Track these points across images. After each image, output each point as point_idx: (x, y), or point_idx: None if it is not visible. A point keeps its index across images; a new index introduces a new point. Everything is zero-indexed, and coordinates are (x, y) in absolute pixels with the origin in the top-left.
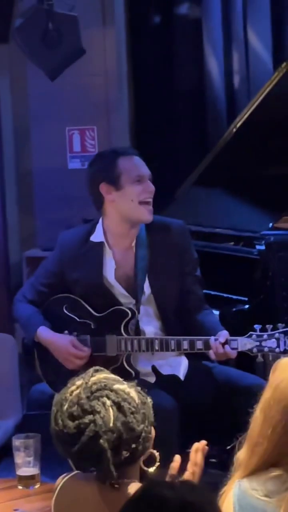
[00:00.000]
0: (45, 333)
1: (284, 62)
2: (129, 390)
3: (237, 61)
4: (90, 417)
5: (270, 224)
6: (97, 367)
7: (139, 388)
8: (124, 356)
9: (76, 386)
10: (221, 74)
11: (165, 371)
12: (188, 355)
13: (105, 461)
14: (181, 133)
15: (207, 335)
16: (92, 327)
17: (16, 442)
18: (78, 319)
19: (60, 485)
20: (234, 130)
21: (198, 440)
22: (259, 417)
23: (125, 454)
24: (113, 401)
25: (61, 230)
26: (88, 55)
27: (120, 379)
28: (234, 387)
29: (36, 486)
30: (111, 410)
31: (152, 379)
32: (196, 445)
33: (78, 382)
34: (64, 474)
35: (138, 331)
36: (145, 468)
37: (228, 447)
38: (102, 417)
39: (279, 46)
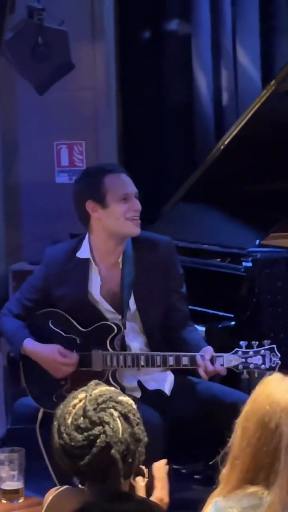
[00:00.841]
0: (31, 345)
1: (273, 80)
2: (131, 402)
3: (225, 78)
4: (100, 428)
5: (257, 241)
6: (97, 381)
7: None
8: (109, 372)
9: (79, 399)
10: (209, 90)
11: (150, 386)
12: (173, 370)
13: (116, 472)
14: (169, 149)
15: (191, 352)
16: (78, 342)
17: (1, 456)
18: (64, 334)
19: (49, 500)
20: (222, 147)
21: (184, 456)
22: (238, 431)
23: (129, 466)
24: (120, 412)
25: (48, 244)
26: (77, 70)
27: (120, 391)
28: (219, 403)
29: (20, 500)
30: (118, 421)
31: (137, 394)
32: (156, 464)
33: (81, 395)
34: (54, 489)
35: (124, 347)
36: (135, 483)
37: (211, 463)
38: (112, 428)
39: (268, 63)
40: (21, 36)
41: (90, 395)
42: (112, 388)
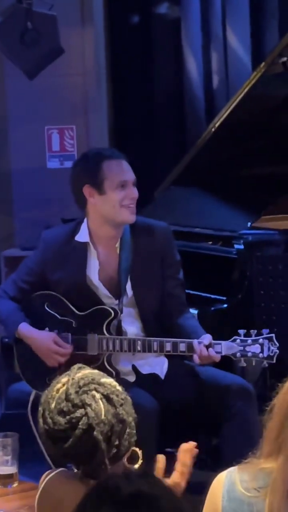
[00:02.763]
0: (26, 330)
1: (262, 62)
2: (115, 383)
3: (216, 61)
4: (82, 411)
5: (249, 224)
6: (80, 365)
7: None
8: (105, 356)
9: (62, 384)
10: (200, 74)
11: (145, 370)
12: (168, 356)
13: (99, 453)
14: (159, 133)
15: (188, 338)
16: (74, 325)
17: None
18: (59, 317)
19: (44, 483)
20: (213, 130)
21: (177, 440)
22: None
23: (115, 448)
24: (102, 394)
25: (39, 230)
26: (67, 55)
27: (104, 374)
28: (215, 386)
29: (14, 485)
30: (101, 403)
31: (132, 378)
32: (184, 446)
33: (64, 380)
34: (48, 472)
35: (120, 332)
36: (129, 466)
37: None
38: (94, 409)
39: (258, 46)
40: (10, 21)
41: (73, 378)
42: (96, 371)
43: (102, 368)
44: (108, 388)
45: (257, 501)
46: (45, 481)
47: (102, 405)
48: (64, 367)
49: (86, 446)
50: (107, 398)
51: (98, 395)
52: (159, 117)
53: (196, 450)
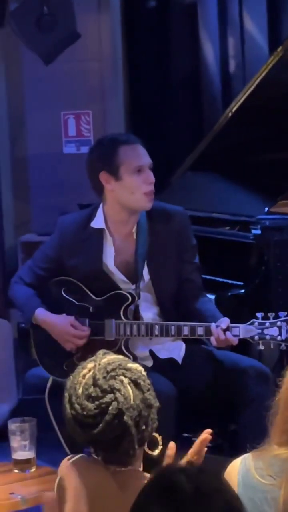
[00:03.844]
0: (43, 314)
1: (279, 47)
2: (141, 368)
3: (232, 46)
4: (111, 396)
5: (266, 209)
6: (105, 350)
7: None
8: (122, 341)
9: (88, 369)
10: (216, 58)
11: (162, 355)
12: (185, 339)
13: (129, 438)
14: (176, 118)
15: (206, 322)
16: (91, 310)
17: (12, 426)
18: (76, 302)
19: (65, 468)
20: (230, 114)
21: (194, 425)
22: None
23: (141, 433)
24: (130, 379)
25: (56, 215)
26: (83, 40)
27: (129, 359)
28: (232, 370)
29: (32, 470)
30: (129, 388)
31: (149, 363)
32: (203, 436)
33: (90, 365)
34: (69, 457)
35: (137, 317)
36: (149, 452)
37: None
38: (123, 394)
39: (275, 30)
40: (26, 7)
41: (99, 364)
42: (121, 356)
43: (119, 353)
44: (135, 373)
45: (272, 489)
46: (66, 466)
47: (130, 390)
48: (82, 353)
49: (115, 431)
50: (135, 383)
51: (126, 380)
52: (175, 102)
53: (210, 437)
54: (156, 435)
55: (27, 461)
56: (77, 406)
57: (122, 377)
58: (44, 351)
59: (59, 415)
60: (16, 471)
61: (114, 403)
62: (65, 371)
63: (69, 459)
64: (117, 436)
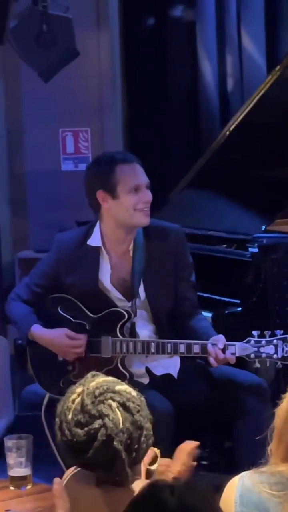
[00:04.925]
0: (39, 331)
1: (277, 65)
2: (130, 389)
3: (230, 64)
4: (99, 421)
5: (263, 227)
6: (94, 372)
7: (133, 387)
8: (119, 358)
9: (77, 394)
10: (214, 76)
11: (158, 372)
12: (182, 356)
13: (120, 462)
14: (174, 135)
15: (200, 340)
16: (87, 328)
17: (8, 442)
18: (73, 320)
19: (65, 480)
20: (228, 133)
21: (190, 440)
22: (286, 407)
23: (134, 452)
24: (119, 402)
25: (54, 232)
26: (82, 57)
27: (118, 380)
28: (228, 383)
29: (28, 487)
30: (118, 412)
31: (145, 380)
32: (184, 446)
33: (78, 390)
34: (72, 469)
35: (133, 334)
36: (148, 467)
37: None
38: (112, 419)
39: (273, 49)
40: (26, 24)
41: (87, 388)
42: (110, 378)
43: (116, 371)
44: (124, 395)
45: (272, 503)
46: (66, 478)
47: (119, 414)
48: (78, 369)
49: (106, 456)
50: (124, 406)
51: (114, 404)
52: (173, 120)
53: (197, 451)
54: (155, 449)
55: (23, 478)
56: (67, 432)
57: (110, 401)
58: (40, 368)
59: (55, 432)
60: (12, 488)
61: (103, 430)
62: (62, 388)
63: (72, 471)
64: (107, 460)
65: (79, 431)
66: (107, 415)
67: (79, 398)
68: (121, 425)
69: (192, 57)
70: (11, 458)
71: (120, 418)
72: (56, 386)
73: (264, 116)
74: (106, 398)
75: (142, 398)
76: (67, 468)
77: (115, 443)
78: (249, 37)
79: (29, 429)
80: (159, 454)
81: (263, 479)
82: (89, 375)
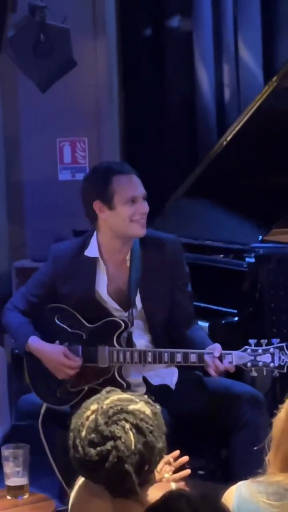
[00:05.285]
0: (36, 343)
1: (274, 76)
2: (144, 408)
3: (227, 74)
4: (112, 443)
5: (260, 237)
6: (109, 388)
7: (147, 398)
8: (115, 368)
9: (91, 411)
10: (211, 86)
11: (155, 381)
12: (178, 366)
13: (130, 482)
14: (171, 145)
15: (196, 349)
16: (84, 337)
17: (5, 452)
18: (70, 330)
19: (77, 486)
20: (225, 142)
21: (188, 451)
22: (283, 417)
23: (147, 471)
24: (132, 424)
25: (51, 241)
26: (79, 67)
27: (132, 398)
28: (225, 395)
29: (25, 496)
30: (131, 433)
31: (142, 390)
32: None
33: (93, 407)
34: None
35: (130, 344)
36: (160, 477)
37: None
38: (124, 442)
39: (270, 59)
40: (23, 34)
41: (102, 407)
42: (124, 396)
43: (112, 380)
44: (137, 416)
45: None
46: (77, 485)
47: (132, 436)
48: (75, 380)
49: (117, 477)
50: (137, 427)
51: (127, 426)
52: (170, 130)
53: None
54: (171, 459)
55: (20, 488)
56: (80, 449)
57: (123, 422)
58: (37, 378)
59: (52, 442)
60: (9, 497)
61: (114, 452)
62: (58, 398)
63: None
64: (118, 480)
65: (91, 450)
66: (120, 437)
67: (93, 416)
68: (133, 447)
69: (189, 66)
70: (8, 468)
71: (133, 440)
72: (53, 396)
73: (261, 126)
74: (120, 418)
75: (157, 411)
76: (64, 478)
77: (126, 465)
78: (246, 47)
79: (26, 438)
80: (172, 463)
81: (261, 489)
82: (104, 391)
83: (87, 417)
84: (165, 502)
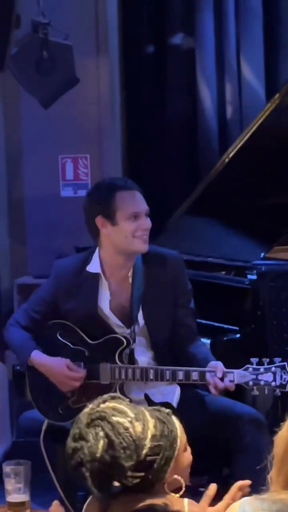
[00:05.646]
0: (39, 357)
1: (277, 94)
2: (129, 425)
3: (229, 92)
4: (82, 443)
5: (262, 254)
6: (114, 394)
7: (163, 415)
8: (117, 385)
9: (87, 408)
10: (213, 104)
11: (157, 399)
12: (180, 384)
13: (89, 487)
14: (173, 162)
15: (199, 366)
16: (86, 354)
17: (7, 468)
18: (72, 346)
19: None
20: (227, 160)
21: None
22: (286, 435)
23: (130, 481)
24: (106, 434)
25: (53, 258)
26: (82, 84)
27: (125, 412)
28: (226, 415)
29: None
30: (101, 442)
31: None
32: (240, 483)
33: (90, 405)
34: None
35: (132, 361)
36: (171, 494)
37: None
38: (89, 447)
39: (272, 77)
40: (26, 51)
41: (93, 408)
42: (120, 406)
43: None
44: (116, 428)
45: None
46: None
47: (101, 444)
48: (77, 396)
49: (78, 476)
50: (109, 439)
51: (101, 433)
52: (172, 147)
53: (248, 489)
54: (179, 478)
55: (22, 504)
56: (68, 439)
57: (99, 429)
58: (39, 394)
59: (53, 458)
60: None
61: (79, 453)
62: (60, 414)
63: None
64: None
65: (70, 443)
66: (88, 441)
67: (82, 412)
68: (97, 455)
69: (191, 84)
70: (9, 484)
71: (100, 449)
72: (55, 412)
73: (263, 144)
74: (98, 424)
75: (175, 425)
76: (65, 494)
77: (83, 469)
78: (248, 65)
79: (27, 455)
80: (183, 483)
81: (264, 507)
82: (108, 396)
83: (83, 413)
84: None
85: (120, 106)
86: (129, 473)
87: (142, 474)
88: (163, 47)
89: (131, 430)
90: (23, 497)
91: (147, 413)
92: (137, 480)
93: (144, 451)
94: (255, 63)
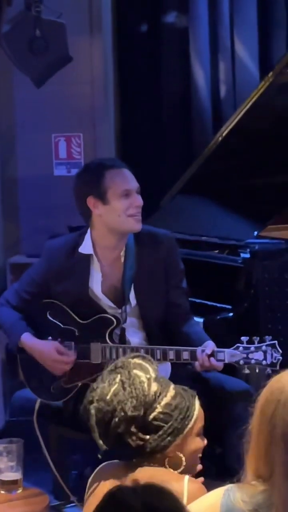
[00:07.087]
0: (29, 340)
1: (270, 72)
2: (145, 380)
3: (223, 71)
4: (99, 384)
5: (255, 233)
6: (145, 355)
7: (186, 393)
8: (108, 364)
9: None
10: (207, 83)
11: None
12: (173, 362)
13: (91, 427)
14: (167, 142)
15: (193, 346)
16: (77, 334)
17: None
18: (62, 325)
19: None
20: (220, 139)
21: None
22: (255, 414)
23: (134, 439)
24: (121, 381)
25: (45, 237)
26: (75, 63)
27: (151, 370)
28: (218, 390)
29: (19, 491)
30: (115, 386)
31: None
32: None
33: (122, 358)
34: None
35: (123, 340)
36: (173, 471)
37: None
38: (102, 388)
39: (266, 56)
40: (19, 29)
41: (121, 360)
42: (145, 364)
43: None
44: (132, 378)
45: None
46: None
47: (113, 388)
48: (68, 376)
49: (85, 414)
50: (122, 386)
51: (118, 379)
52: (166, 126)
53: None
54: (180, 455)
55: (14, 482)
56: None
57: (118, 375)
58: (31, 374)
59: (47, 437)
60: (2, 492)
61: (92, 391)
62: (52, 393)
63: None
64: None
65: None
66: (104, 382)
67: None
68: (107, 397)
69: (184, 63)
70: (2, 463)
71: (111, 392)
72: (47, 392)
73: (256, 123)
74: (118, 372)
75: (194, 404)
76: (59, 472)
77: (91, 405)
78: (242, 44)
79: (20, 434)
80: (183, 461)
81: (245, 497)
82: (139, 354)
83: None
84: (111, 496)
85: (114, 85)
86: (133, 429)
87: (147, 437)
88: (157, 26)
89: (145, 385)
90: (15, 475)
91: (172, 385)
92: (140, 443)
93: (154, 414)
94: (249, 42)
